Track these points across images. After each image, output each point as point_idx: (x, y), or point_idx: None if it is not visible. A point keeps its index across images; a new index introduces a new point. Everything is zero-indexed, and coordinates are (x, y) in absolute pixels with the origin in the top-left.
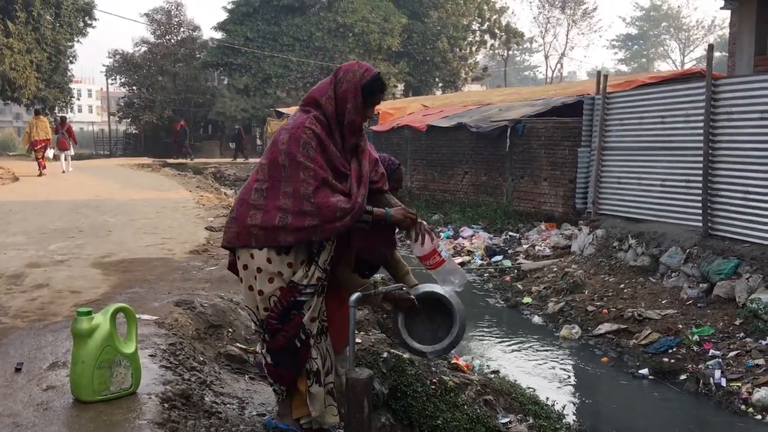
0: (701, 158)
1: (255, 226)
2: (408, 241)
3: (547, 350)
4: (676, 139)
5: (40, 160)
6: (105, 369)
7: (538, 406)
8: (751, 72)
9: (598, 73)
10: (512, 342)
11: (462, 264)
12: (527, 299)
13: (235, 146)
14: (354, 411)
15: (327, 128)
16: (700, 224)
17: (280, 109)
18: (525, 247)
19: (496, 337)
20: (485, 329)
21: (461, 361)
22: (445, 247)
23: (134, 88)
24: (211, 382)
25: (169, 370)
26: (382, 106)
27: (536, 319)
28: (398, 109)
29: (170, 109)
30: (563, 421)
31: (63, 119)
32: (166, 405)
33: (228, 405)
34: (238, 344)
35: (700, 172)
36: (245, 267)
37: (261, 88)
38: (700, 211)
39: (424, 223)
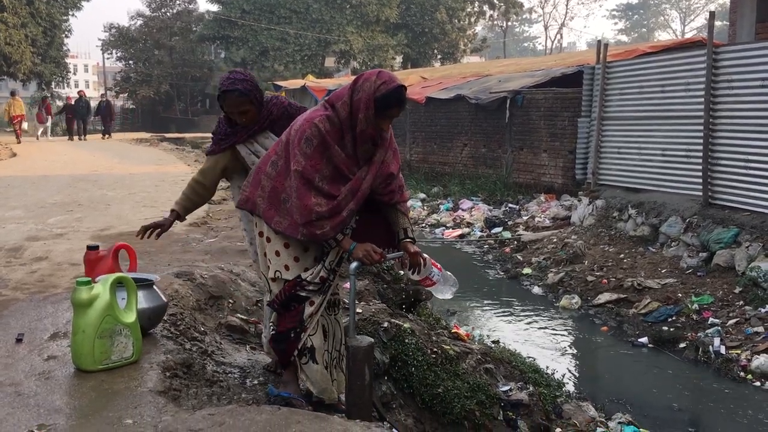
0: (702, 127)
1: (261, 197)
2: (403, 271)
3: (547, 320)
4: (676, 108)
5: (18, 131)
6: (106, 338)
7: (538, 374)
8: (753, 40)
9: (598, 42)
10: (512, 312)
11: (461, 236)
12: (527, 270)
13: (102, 121)
14: (355, 379)
15: (338, 130)
16: (700, 193)
17: (279, 83)
18: (525, 218)
19: (497, 308)
20: (486, 300)
21: (462, 331)
22: (432, 265)
23: (130, 62)
24: (213, 352)
25: (170, 340)
26: None
27: (536, 290)
28: None
29: (167, 83)
30: (563, 389)
31: (44, 98)
32: (168, 374)
33: (229, 374)
34: (238, 315)
35: (701, 141)
36: (260, 234)
37: (258, 61)
38: (701, 180)
39: (424, 255)
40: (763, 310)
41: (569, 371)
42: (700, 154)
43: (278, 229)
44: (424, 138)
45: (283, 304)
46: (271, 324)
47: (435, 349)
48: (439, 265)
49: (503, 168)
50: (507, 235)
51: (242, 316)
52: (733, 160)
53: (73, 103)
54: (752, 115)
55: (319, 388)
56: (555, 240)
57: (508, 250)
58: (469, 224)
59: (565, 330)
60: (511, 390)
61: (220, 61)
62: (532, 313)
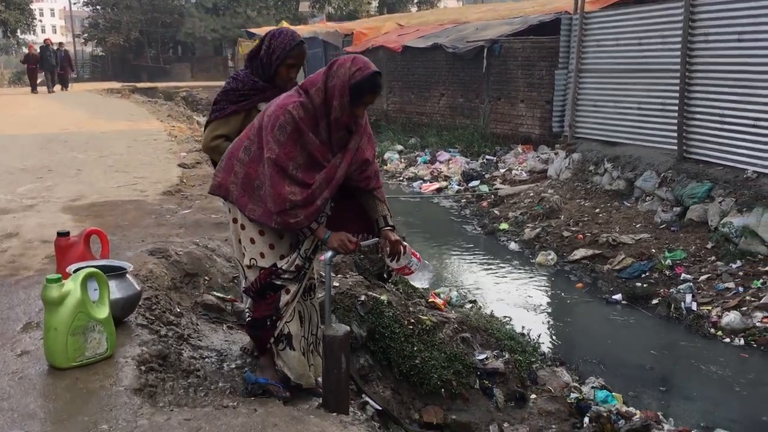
0: (678, 81)
1: (234, 183)
2: (382, 255)
3: (523, 277)
4: (652, 61)
5: None
6: (78, 335)
7: (514, 341)
8: None
9: None
10: (489, 269)
11: (439, 190)
12: (504, 225)
13: (61, 72)
14: (331, 367)
15: (313, 117)
16: (675, 147)
17: (252, 30)
18: (502, 171)
19: (473, 265)
20: (463, 257)
21: (438, 300)
22: (412, 254)
23: (98, 7)
24: (189, 336)
25: (144, 328)
26: (357, 26)
27: (513, 246)
28: (372, 29)
29: (137, 29)
30: (538, 351)
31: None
32: (143, 368)
33: (206, 359)
34: (215, 292)
35: (677, 94)
36: (234, 220)
37: (231, 6)
38: (676, 134)
39: (404, 243)
40: (734, 266)
41: (544, 330)
42: (676, 108)
43: (252, 217)
44: (401, 87)
45: (258, 292)
46: (247, 310)
47: (412, 320)
48: (418, 255)
49: (481, 118)
50: (484, 189)
51: (218, 294)
52: (709, 114)
53: (37, 52)
54: (728, 69)
55: (296, 374)
56: (532, 194)
57: (485, 204)
58: (446, 177)
59: (541, 287)
60: (487, 359)
61: (191, 6)
62: (508, 270)
